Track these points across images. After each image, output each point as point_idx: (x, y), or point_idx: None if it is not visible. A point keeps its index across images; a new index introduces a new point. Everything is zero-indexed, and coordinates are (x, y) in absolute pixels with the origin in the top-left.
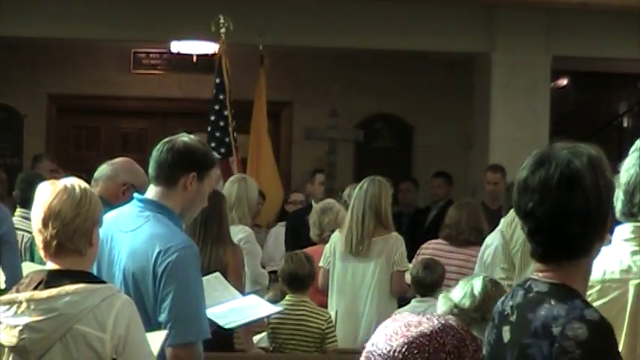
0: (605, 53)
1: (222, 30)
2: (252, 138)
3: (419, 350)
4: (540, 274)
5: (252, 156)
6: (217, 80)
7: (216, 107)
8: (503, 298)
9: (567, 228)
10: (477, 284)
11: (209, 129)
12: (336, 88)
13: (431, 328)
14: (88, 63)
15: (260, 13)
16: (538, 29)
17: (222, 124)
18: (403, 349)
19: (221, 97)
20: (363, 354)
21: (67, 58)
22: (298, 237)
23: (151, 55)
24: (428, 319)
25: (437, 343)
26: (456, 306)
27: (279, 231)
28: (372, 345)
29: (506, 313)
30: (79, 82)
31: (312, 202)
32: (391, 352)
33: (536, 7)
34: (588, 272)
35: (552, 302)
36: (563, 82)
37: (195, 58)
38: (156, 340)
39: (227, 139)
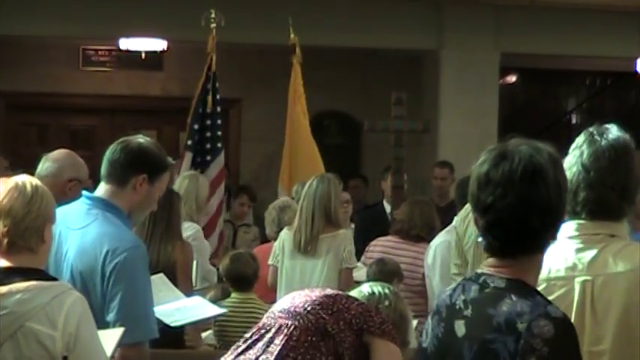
0: (554, 50)
1: (213, 25)
2: (289, 137)
3: (322, 307)
4: (492, 269)
5: (290, 157)
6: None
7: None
8: (450, 292)
9: (528, 221)
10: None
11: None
12: (286, 84)
13: (335, 294)
14: (36, 60)
15: (211, 9)
16: (487, 26)
17: (208, 121)
18: (306, 305)
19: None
20: (265, 315)
21: (15, 55)
22: (367, 236)
23: (99, 52)
24: (333, 289)
25: (341, 305)
26: None
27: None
28: (275, 306)
29: (457, 307)
30: (28, 79)
31: (384, 200)
32: (292, 308)
33: (484, 5)
34: (540, 268)
35: (513, 298)
36: (512, 78)
37: (143, 55)
38: (111, 338)
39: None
